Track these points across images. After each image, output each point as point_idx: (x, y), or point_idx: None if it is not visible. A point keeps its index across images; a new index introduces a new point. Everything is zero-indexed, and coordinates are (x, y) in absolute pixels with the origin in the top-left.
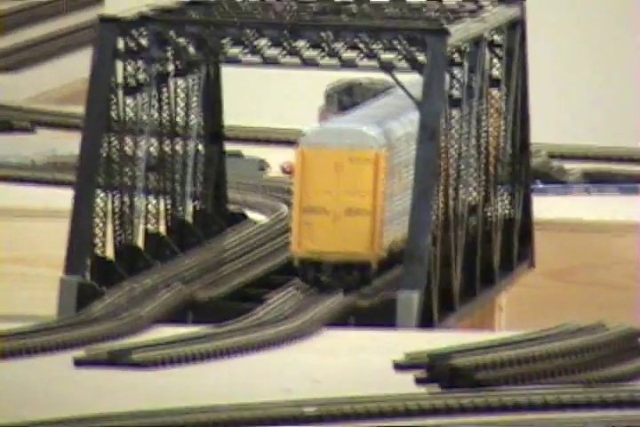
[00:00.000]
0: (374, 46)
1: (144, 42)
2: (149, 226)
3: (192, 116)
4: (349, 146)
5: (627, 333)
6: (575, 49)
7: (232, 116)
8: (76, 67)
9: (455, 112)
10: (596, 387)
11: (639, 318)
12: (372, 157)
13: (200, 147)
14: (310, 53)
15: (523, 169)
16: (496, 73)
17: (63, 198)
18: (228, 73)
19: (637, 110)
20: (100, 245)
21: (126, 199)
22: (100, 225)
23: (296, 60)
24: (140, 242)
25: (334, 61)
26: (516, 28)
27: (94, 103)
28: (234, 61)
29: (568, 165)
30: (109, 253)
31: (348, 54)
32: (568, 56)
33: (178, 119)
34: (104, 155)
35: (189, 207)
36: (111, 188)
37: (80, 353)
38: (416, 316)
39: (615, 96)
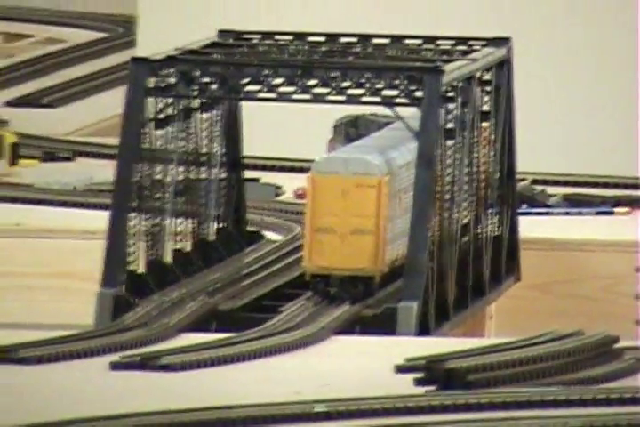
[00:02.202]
0: (377, 84)
1: (172, 80)
2: (177, 244)
3: (215, 147)
4: (355, 173)
5: (603, 339)
6: (557, 91)
7: (250, 147)
8: (111, 103)
9: (449, 142)
10: (575, 387)
11: (613, 327)
12: (375, 184)
13: (222, 174)
14: (320, 90)
15: (509, 193)
16: (486, 107)
17: (100, 220)
18: (247, 108)
19: (615, 143)
20: (133, 261)
21: (156, 220)
22: (133, 243)
23: (308, 96)
24: (168, 258)
25: (342, 97)
26: (503, 67)
27: (127, 135)
28: (252, 98)
29: (550, 190)
30: (141, 268)
31: (354, 91)
32: (551, 97)
33: (202, 149)
34: (136, 181)
35: (212, 228)
36: (143, 210)
37: (115, 358)
38: (415, 324)
39: (593, 131)
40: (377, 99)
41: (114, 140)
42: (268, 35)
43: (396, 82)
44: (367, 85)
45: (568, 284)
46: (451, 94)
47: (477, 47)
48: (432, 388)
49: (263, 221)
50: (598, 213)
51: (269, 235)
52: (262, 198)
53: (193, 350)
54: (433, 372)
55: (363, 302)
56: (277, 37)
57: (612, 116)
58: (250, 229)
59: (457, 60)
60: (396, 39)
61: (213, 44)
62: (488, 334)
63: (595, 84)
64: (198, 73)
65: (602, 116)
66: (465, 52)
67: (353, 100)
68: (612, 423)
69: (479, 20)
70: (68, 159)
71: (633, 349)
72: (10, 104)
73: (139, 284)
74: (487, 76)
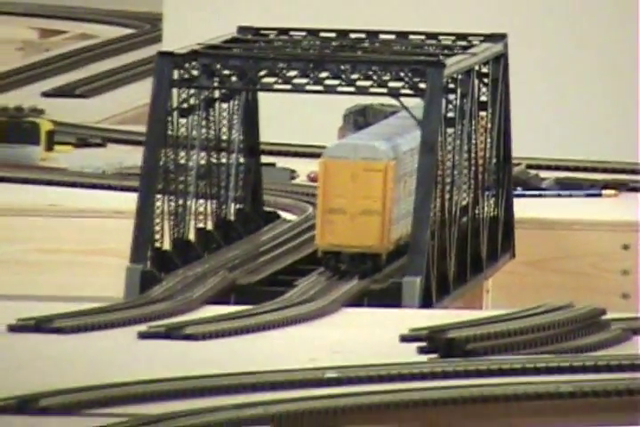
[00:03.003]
0: (384, 76)
1: (195, 73)
2: (199, 223)
3: (234, 134)
4: (363, 158)
5: (591, 311)
6: (550, 84)
7: (267, 134)
8: (139, 94)
9: (450, 130)
10: (566, 355)
11: (601, 300)
12: (382, 168)
13: (240, 159)
14: (331, 82)
15: (505, 177)
16: (483, 98)
17: (128, 201)
18: (263, 98)
19: (603, 131)
20: (159, 239)
21: (180, 202)
22: (159, 223)
23: (319, 87)
24: (191, 237)
25: (351, 89)
26: (499, 61)
27: (154, 123)
28: (268, 89)
29: (543, 174)
30: (167, 245)
31: (363, 83)
32: (544, 89)
33: (222, 136)
34: (162, 165)
35: (232, 208)
36: (168, 192)
37: (143, 328)
38: (418, 298)
39: (584, 120)
40: (384, 90)
41: (141, 128)
42: (283, 31)
43: (402, 74)
44: (374, 78)
45: (559, 260)
46: (451, 86)
47: (476, 42)
48: (434, 356)
49: (279, 202)
50: (587, 196)
51: (284, 215)
52: (278, 181)
53: (214, 320)
54: (435, 341)
55: (370, 277)
56: (292, 33)
57: (602, 106)
58: (266, 209)
59: (457, 54)
60: (402, 35)
61: (233, 40)
62: (485, 307)
63: (586, 79)
64: (219, 66)
65: (592, 107)
66: (464, 47)
67: (361, 91)
68: (600, 388)
69: (478, 18)
70: (99, 145)
71: (619, 320)
72: (46, 95)
73: (164, 260)
74: (485, 69)
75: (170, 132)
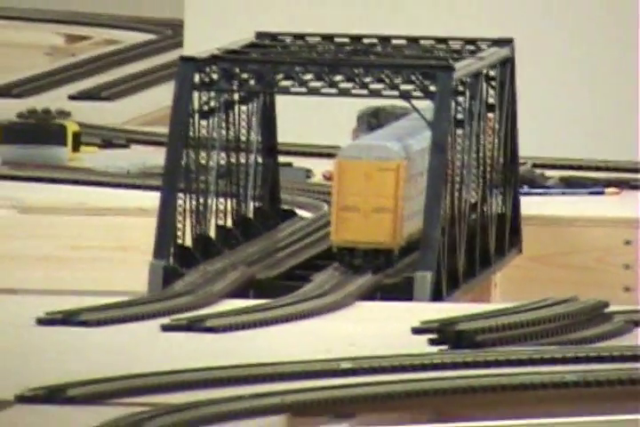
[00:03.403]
0: (396, 79)
1: (215, 77)
2: (219, 221)
3: (252, 135)
4: (376, 158)
5: (595, 304)
6: (555, 87)
7: (284, 135)
8: (162, 96)
9: (459, 131)
10: (571, 347)
11: (604, 293)
12: (394, 168)
13: (259, 159)
14: (345, 85)
15: (512, 175)
16: (491, 100)
17: (152, 200)
18: (280, 101)
19: (606, 132)
20: (181, 236)
21: (201, 200)
22: (181, 220)
23: (334, 90)
24: (212, 233)
25: (364, 91)
26: (506, 65)
27: (176, 125)
28: (285, 92)
29: (548, 173)
30: (188, 242)
31: (376, 86)
32: (549, 91)
33: (241, 137)
34: (184, 165)
35: (251, 206)
36: (189, 191)
37: (165, 321)
38: (429, 291)
39: (588, 121)
40: (395, 93)
41: (164, 130)
42: (299, 36)
43: (412, 78)
44: (387, 81)
45: (564, 255)
46: (460, 89)
47: (484, 47)
48: (444, 347)
49: (295, 200)
50: (591, 194)
51: (301, 213)
52: (294, 180)
53: (234, 314)
54: (445, 333)
55: (383, 272)
56: (308, 38)
57: (604, 108)
58: (284, 207)
59: (466, 58)
60: (412, 40)
61: (251, 45)
62: (493, 300)
63: (588, 82)
64: (238, 70)
65: (595, 109)
66: (473, 52)
67: (374, 93)
68: (603, 378)
69: (486, 23)
70: (123, 146)
71: (622, 313)
72: (72, 98)
73: (186, 256)
74: (492, 73)
75: (191, 134)
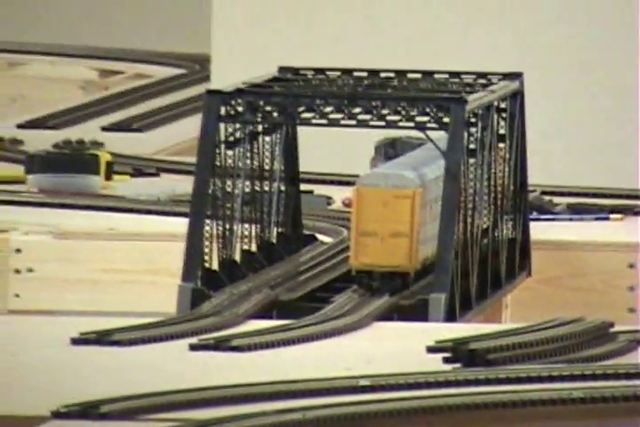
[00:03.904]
0: (411, 111)
1: (240, 109)
2: (244, 246)
3: (275, 164)
4: (393, 186)
5: (600, 324)
6: (563, 119)
7: (306, 164)
8: (189, 128)
9: (472, 160)
10: (578, 364)
11: (610, 314)
12: (410, 195)
13: (282, 187)
14: (364, 117)
15: (522, 202)
16: (502, 131)
17: (180, 225)
18: (302, 132)
19: (610, 161)
20: (208, 260)
21: (227, 226)
22: (208, 245)
23: (353, 122)
24: (237, 257)
25: (382, 123)
26: (516, 97)
27: (203, 155)
28: (307, 123)
29: (556, 200)
30: (215, 265)
31: (392, 117)
32: (558, 123)
33: (265, 166)
34: (210, 193)
35: (274, 232)
36: (216, 217)
37: (193, 340)
38: (443, 312)
39: (593, 151)
40: (411, 124)
41: (192, 159)
42: (320, 70)
43: (427, 110)
44: (403, 113)
45: (571, 278)
46: (473, 120)
47: (495, 80)
48: (458, 365)
49: (316, 226)
50: (596, 219)
51: (322, 237)
52: (315, 207)
53: (258, 334)
54: (458, 352)
55: (399, 294)
56: (328, 73)
57: (608, 139)
58: (305, 232)
59: (478, 91)
60: (427, 74)
61: (274, 79)
62: (504, 321)
63: (594, 116)
64: (262, 103)
65: (600, 139)
66: (484, 85)
67: (391, 125)
68: (608, 395)
69: (497, 58)
70: (153, 175)
71: (626, 332)
72: (105, 129)
73: (213, 279)
74: (503, 105)
75: (217, 163)
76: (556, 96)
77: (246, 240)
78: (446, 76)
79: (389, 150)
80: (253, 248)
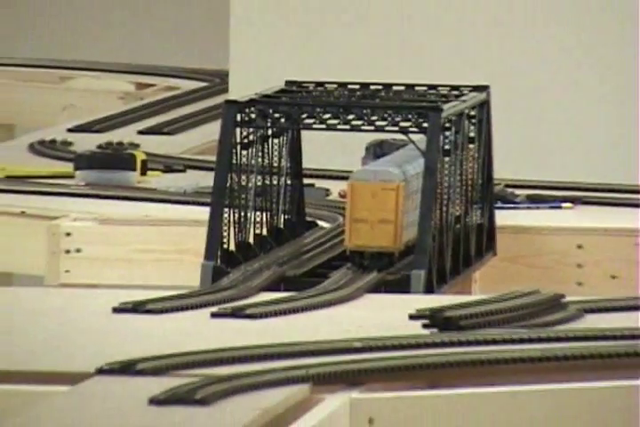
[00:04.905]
0: (396, 118)
1: (253, 116)
2: (257, 230)
3: (283, 162)
4: (381, 180)
5: (554, 296)
6: (526, 122)
7: (308, 162)
8: (211, 132)
9: (446, 158)
10: (535, 329)
11: (561, 287)
12: (395, 188)
13: (288, 181)
14: (356, 123)
15: (488, 194)
16: (472, 134)
17: (203, 213)
18: (305, 135)
19: (563, 155)
20: (226, 242)
21: (242, 213)
22: (226, 230)
23: (347, 127)
24: (251, 240)
25: (371, 128)
26: (484, 106)
27: (222, 154)
28: (309, 128)
29: (517, 191)
30: (232, 247)
31: (380, 123)
32: (520, 126)
33: (274, 164)
34: (228, 186)
35: (281, 218)
36: (233, 206)
37: (214, 309)
38: (422, 286)
39: (547, 149)
40: (396, 128)
41: (212, 158)
42: (319, 84)
43: (409, 116)
44: (389, 119)
45: (530, 257)
46: (447, 125)
47: (466, 92)
48: (435, 330)
49: (317, 213)
50: (551, 208)
51: (321, 223)
52: (316, 198)
53: (268, 304)
54: (435, 319)
55: (386, 271)
56: (326, 85)
57: (562, 137)
58: (307, 219)
59: (452, 101)
60: (409, 87)
61: (282, 91)
62: (474, 293)
63: (552, 114)
64: (271, 111)
65: (553, 138)
66: (457, 96)
67: (379, 129)
68: (561, 354)
69: (468, 73)
70: (181, 171)
71: (575, 302)
72: (140, 133)
73: (230, 258)
74: (473, 113)
75: (234, 161)
76: (520, 105)
77: (258, 225)
78: (425, 88)
79: (378, 150)
80: (264, 232)
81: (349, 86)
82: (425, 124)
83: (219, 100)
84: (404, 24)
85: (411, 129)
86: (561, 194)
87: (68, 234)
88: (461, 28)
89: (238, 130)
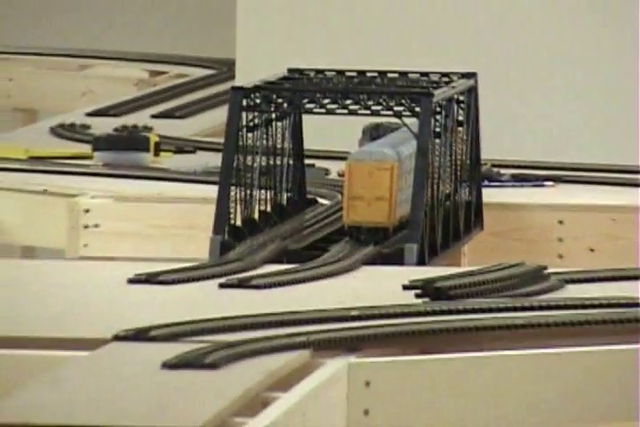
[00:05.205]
0: (390, 102)
1: (258, 101)
2: (261, 207)
3: (285, 144)
4: (376, 161)
5: (537, 268)
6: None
7: (309, 143)
8: (219, 116)
9: (437, 140)
10: (520, 298)
11: (543, 260)
12: (389, 167)
13: (290, 162)
14: (353, 107)
15: (476, 173)
16: (460, 118)
17: (212, 192)
18: (306, 119)
19: (546, 137)
20: (233, 218)
21: (248, 192)
22: (233, 206)
23: (345, 111)
24: (256, 216)
25: (367, 112)
26: (472, 92)
27: (229, 137)
28: (309, 112)
29: (503, 171)
30: (239, 222)
31: (376, 107)
32: (506, 110)
33: (277, 145)
34: (235, 166)
35: (284, 196)
36: (239, 185)
37: (222, 280)
38: (415, 259)
39: (532, 131)
40: (390, 113)
41: (220, 140)
42: (319, 71)
43: (403, 101)
44: (384, 104)
45: (514, 232)
46: (438, 109)
47: (455, 79)
48: (427, 300)
49: (317, 191)
50: (534, 186)
51: (321, 201)
52: (316, 177)
53: (272, 275)
54: (427, 289)
55: (381, 244)
56: (326, 73)
57: (550, 119)
58: (308, 197)
59: (442, 87)
60: (403, 74)
61: (284, 78)
62: (463, 265)
63: (539, 101)
64: (275, 96)
65: (541, 120)
66: (447, 82)
67: (375, 113)
68: (543, 322)
69: (457, 61)
70: (191, 152)
71: (556, 273)
72: (154, 116)
73: (237, 233)
74: (462, 98)
75: (240, 143)
76: (508, 91)
77: (263, 203)
78: (418, 75)
79: (373, 133)
80: (268, 209)
81: (347, 74)
82: (417, 109)
83: (226, 86)
84: (399, 17)
85: (404, 113)
86: (543, 173)
87: (87, 210)
88: (452, 20)
89: (244, 114)
